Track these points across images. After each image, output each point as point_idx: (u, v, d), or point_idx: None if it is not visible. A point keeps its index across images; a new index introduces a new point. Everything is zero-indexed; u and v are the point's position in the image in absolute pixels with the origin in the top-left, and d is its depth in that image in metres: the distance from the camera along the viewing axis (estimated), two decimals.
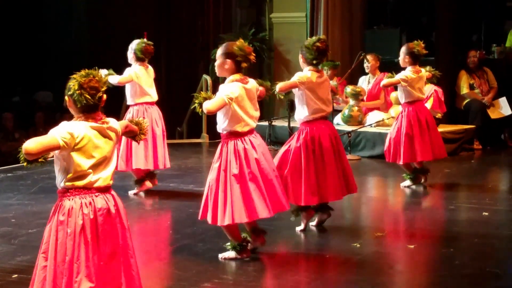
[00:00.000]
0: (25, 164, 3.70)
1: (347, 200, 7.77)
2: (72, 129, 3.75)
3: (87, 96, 3.81)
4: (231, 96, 5.33)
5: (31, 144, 3.63)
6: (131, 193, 7.88)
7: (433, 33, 12.45)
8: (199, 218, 5.56)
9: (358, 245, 6.02)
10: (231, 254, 5.61)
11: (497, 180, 9.77)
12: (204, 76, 12.15)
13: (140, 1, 14.05)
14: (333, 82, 11.26)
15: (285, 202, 5.60)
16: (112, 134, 3.92)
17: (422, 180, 8.38)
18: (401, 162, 8.15)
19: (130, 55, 7.96)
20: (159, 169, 8.03)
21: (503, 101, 11.43)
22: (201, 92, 5.57)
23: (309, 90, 6.20)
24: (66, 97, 3.88)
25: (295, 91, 6.29)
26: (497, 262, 5.56)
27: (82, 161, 3.77)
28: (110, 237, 3.84)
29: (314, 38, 6.38)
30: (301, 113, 6.30)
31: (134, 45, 7.96)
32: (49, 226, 3.84)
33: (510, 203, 7.83)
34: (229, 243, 5.63)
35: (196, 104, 5.40)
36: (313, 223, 6.56)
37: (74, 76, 3.87)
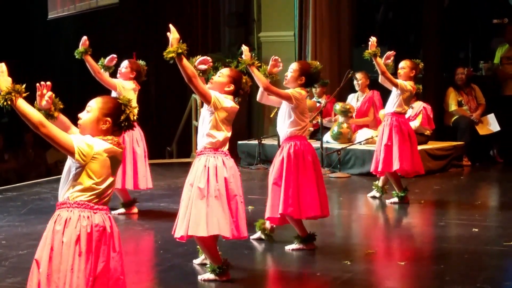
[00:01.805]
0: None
1: (337, 218, 7.79)
2: (92, 143, 3.76)
3: (131, 116, 3.87)
4: (220, 101, 5.38)
5: (49, 125, 3.63)
6: (114, 212, 7.81)
7: (420, 50, 12.51)
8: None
9: (349, 263, 6.02)
10: (210, 276, 5.51)
11: (487, 196, 9.81)
12: (194, 95, 12.17)
13: (128, 20, 14.11)
14: (322, 100, 11.34)
15: (245, 230, 5.52)
16: (121, 156, 3.94)
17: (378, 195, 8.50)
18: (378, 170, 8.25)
19: (130, 73, 7.88)
20: (139, 189, 8.01)
21: (491, 117, 11.49)
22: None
23: (299, 106, 6.22)
24: (107, 118, 3.85)
25: (283, 106, 6.29)
26: (488, 278, 5.57)
27: (96, 177, 3.77)
28: (102, 255, 3.81)
29: (315, 62, 6.45)
30: (288, 128, 6.29)
31: (135, 65, 7.94)
32: (45, 234, 3.82)
33: (500, 219, 7.86)
34: (209, 265, 5.56)
35: (172, 54, 5.11)
36: (289, 247, 6.46)
37: (121, 97, 3.92)
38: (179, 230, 5.41)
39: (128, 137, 7.71)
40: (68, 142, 3.69)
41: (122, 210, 7.91)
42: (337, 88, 10.65)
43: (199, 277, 5.57)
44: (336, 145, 10.69)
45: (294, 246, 6.41)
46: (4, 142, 12.96)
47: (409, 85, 8.12)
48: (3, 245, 6.70)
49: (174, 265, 6.02)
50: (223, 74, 5.56)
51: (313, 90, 11.63)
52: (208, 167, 5.38)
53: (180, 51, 5.10)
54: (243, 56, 6.11)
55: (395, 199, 8.34)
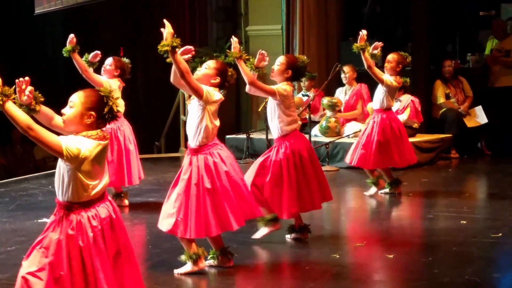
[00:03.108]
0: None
1: (326, 211, 7.79)
2: (80, 146, 3.76)
3: (114, 107, 3.90)
4: (211, 94, 5.43)
5: (37, 128, 3.64)
6: None
7: (408, 43, 12.51)
8: (165, 231, 5.58)
9: (337, 256, 6.03)
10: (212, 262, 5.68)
11: (475, 188, 9.84)
12: (181, 90, 12.14)
13: (115, 16, 14.06)
14: (311, 94, 11.34)
15: (255, 208, 5.68)
16: (108, 146, 3.96)
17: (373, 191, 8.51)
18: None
19: (114, 71, 7.89)
20: (133, 185, 8.02)
21: (479, 109, 11.51)
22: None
23: (285, 102, 6.22)
24: (91, 112, 3.86)
25: (269, 103, 6.30)
26: (476, 270, 5.59)
27: (89, 176, 3.81)
28: (114, 240, 3.92)
29: (302, 56, 6.48)
30: (278, 124, 6.31)
31: (119, 62, 7.93)
32: (56, 239, 3.84)
33: (488, 211, 7.88)
34: (211, 254, 5.70)
35: (166, 47, 5.13)
36: (289, 236, 6.57)
37: (101, 89, 3.93)
38: (186, 230, 5.46)
39: (121, 136, 7.74)
40: (56, 144, 3.69)
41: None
42: (325, 82, 10.65)
43: (175, 271, 5.63)
44: (325, 139, 10.70)
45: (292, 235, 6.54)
46: None
47: (394, 80, 8.12)
48: None
49: (163, 260, 6.02)
50: (210, 66, 5.58)
51: (301, 83, 11.63)
52: (209, 166, 5.45)
53: (174, 44, 5.11)
54: (231, 48, 6.11)
55: (386, 189, 8.36)
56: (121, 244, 3.98)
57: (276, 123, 6.30)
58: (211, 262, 5.69)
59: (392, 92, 8.26)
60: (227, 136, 11.55)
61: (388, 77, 8.12)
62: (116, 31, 13.94)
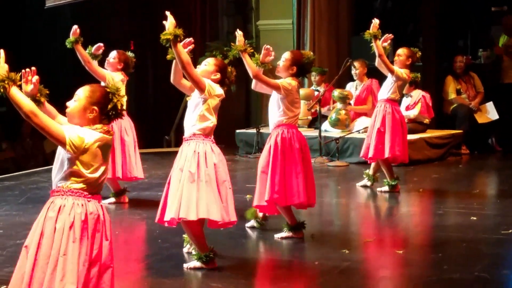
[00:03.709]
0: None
1: (335, 207, 7.79)
2: (83, 135, 3.74)
3: (118, 105, 3.88)
4: (213, 88, 5.43)
5: (41, 115, 3.62)
6: (104, 202, 7.76)
7: (419, 39, 12.48)
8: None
9: (347, 251, 6.02)
10: (197, 264, 5.54)
11: (485, 184, 9.81)
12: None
13: (125, 10, 14.05)
14: (321, 88, 11.32)
15: (234, 215, 5.52)
16: (111, 142, 3.93)
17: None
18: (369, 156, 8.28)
19: (118, 64, 7.88)
20: (129, 180, 7.98)
21: (490, 105, 11.47)
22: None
23: (288, 96, 6.19)
24: (94, 107, 3.84)
25: (274, 94, 6.28)
26: (485, 266, 5.57)
27: (87, 167, 3.77)
28: (96, 242, 3.81)
29: (308, 52, 6.44)
30: (278, 117, 6.28)
31: (123, 56, 7.92)
32: (37, 221, 3.84)
33: (498, 207, 7.85)
34: (195, 253, 5.58)
35: (168, 35, 5.13)
36: (278, 235, 6.45)
37: (109, 86, 3.91)
38: (169, 213, 5.42)
39: (117, 126, 7.70)
40: (60, 133, 3.68)
41: (112, 199, 7.90)
42: (336, 77, 10.62)
43: (185, 265, 5.60)
44: (335, 134, 10.68)
45: (283, 234, 6.41)
46: (2, 131, 12.94)
47: (404, 73, 8.10)
48: (1, 235, 6.70)
49: (172, 254, 6.02)
50: (209, 63, 5.58)
51: (312, 78, 11.62)
52: (198, 153, 5.41)
53: (177, 33, 5.10)
54: (236, 42, 6.10)
55: (386, 188, 8.32)
56: (101, 254, 3.83)
57: (276, 116, 6.28)
58: (196, 264, 5.56)
59: (401, 86, 8.22)
60: (237, 131, 11.54)
61: (398, 69, 8.10)
62: (126, 25, 13.93)
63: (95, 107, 3.85)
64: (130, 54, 8.02)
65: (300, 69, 6.29)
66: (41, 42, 14.04)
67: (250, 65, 6.08)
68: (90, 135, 3.77)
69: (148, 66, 13.36)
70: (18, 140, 12.87)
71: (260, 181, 6.28)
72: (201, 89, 5.35)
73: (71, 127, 3.78)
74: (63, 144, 3.70)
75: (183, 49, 5.24)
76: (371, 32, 7.83)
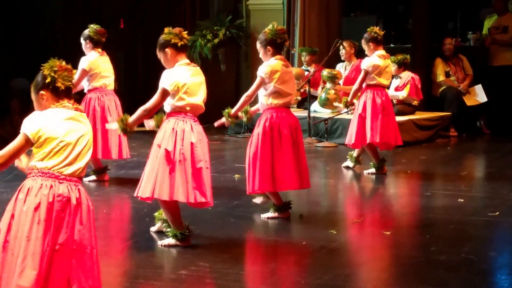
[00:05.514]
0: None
1: (323, 187, 7.80)
2: (39, 126, 3.72)
3: (69, 75, 3.85)
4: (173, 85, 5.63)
5: (2, 153, 3.69)
6: (85, 179, 7.73)
7: (409, 20, 12.47)
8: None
9: (334, 232, 6.04)
10: (171, 241, 5.57)
11: (473, 166, 9.84)
12: None
13: None
14: (311, 69, 11.30)
15: (209, 197, 5.54)
16: (86, 121, 3.89)
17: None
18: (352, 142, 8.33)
19: (87, 44, 7.89)
20: (111, 158, 7.98)
21: (478, 88, 11.49)
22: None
23: (278, 80, 6.16)
24: (41, 92, 3.82)
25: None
26: (472, 248, 5.59)
27: (50, 143, 3.73)
28: (64, 226, 3.76)
29: (270, 25, 6.30)
30: (264, 99, 6.29)
31: (86, 32, 7.91)
32: (10, 203, 3.82)
33: (485, 189, 7.88)
34: (169, 230, 5.61)
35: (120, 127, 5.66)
36: (265, 215, 6.46)
37: (46, 65, 3.86)
38: (145, 190, 5.47)
39: (99, 106, 7.72)
40: (20, 146, 3.72)
41: (93, 177, 7.93)
42: (325, 57, 10.61)
43: (159, 242, 5.63)
44: (324, 114, 10.68)
45: (270, 214, 6.42)
46: None
47: (376, 60, 8.09)
48: None
49: (161, 232, 6.01)
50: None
51: (302, 58, 11.61)
52: (176, 130, 5.44)
53: (124, 127, 5.64)
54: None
55: (373, 170, 8.34)
56: (73, 239, 3.76)
57: (263, 96, 6.29)
58: (171, 241, 5.60)
59: (382, 71, 8.18)
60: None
61: (364, 66, 8.20)
62: (115, 5, 13.85)
63: (42, 92, 3.82)
64: (92, 26, 7.97)
65: (274, 45, 6.22)
66: (29, 21, 13.90)
67: (241, 106, 6.34)
68: (46, 119, 3.75)
69: (138, 46, 13.29)
70: (6, 118, 12.82)
71: (251, 168, 6.25)
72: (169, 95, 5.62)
73: (25, 123, 3.75)
74: (32, 144, 3.73)
75: (133, 121, 5.66)
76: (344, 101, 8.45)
